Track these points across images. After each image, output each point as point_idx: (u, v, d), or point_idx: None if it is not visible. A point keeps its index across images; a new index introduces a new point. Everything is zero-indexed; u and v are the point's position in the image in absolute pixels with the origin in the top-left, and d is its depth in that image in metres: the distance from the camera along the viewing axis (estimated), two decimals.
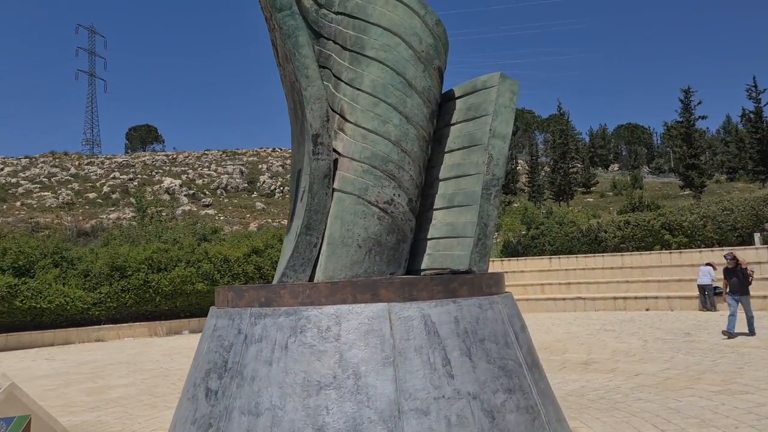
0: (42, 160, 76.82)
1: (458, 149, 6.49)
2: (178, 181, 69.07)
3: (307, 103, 5.88)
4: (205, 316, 18.98)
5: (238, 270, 20.87)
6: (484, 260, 5.93)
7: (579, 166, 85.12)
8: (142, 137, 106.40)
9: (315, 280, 5.95)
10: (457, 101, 6.73)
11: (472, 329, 5.27)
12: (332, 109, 6.47)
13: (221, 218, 59.27)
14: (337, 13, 6.69)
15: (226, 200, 67.69)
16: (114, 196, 63.31)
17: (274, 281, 6.02)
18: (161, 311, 19.82)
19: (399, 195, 6.05)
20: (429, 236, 6.43)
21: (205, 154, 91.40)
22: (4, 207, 55.14)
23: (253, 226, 53.81)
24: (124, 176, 70.74)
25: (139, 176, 71.78)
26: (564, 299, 23.92)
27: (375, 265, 5.93)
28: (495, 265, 28.82)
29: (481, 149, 6.12)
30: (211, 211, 61.68)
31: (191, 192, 67.32)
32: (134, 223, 39.34)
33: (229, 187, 72.01)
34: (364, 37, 6.36)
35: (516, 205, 56.44)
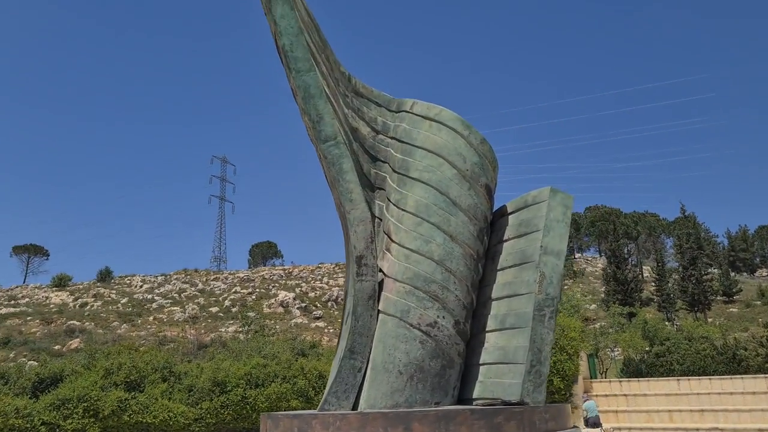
0: (175, 277, 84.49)
1: (510, 267, 6.17)
2: (291, 294, 72.15)
3: (351, 226, 5.98)
4: None
5: None
6: (539, 390, 5.35)
7: (715, 271, 77.16)
8: (264, 253, 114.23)
9: (359, 408, 5.68)
10: (510, 217, 6.52)
11: None
12: (384, 230, 6.53)
13: (330, 330, 60.22)
14: (392, 138, 6.97)
15: (336, 312, 69.10)
16: (234, 309, 67.17)
17: (318, 407, 5.83)
18: (257, 429, 19.84)
19: (443, 317, 5.77)
20: (481, 361, 5.98)
21: (319, 267, 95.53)
22: (139, 321, 60.46)
23: None
24: (244, 290, 75.36)
25: (258, 290, 76.09)
26: (697, 430, 20.72)
27: (417, 393, 5.55)
28: (613, 387, 26.00)
29: (533, 267, 5.77)
30: (321, 324, 63.08)
31: (303, 305, 69.73)
32: (248, 336, 41.08)
33: (339, 299, 73.79)
34: (409, 159, 6.51)
35: (646, 316, 51.58)
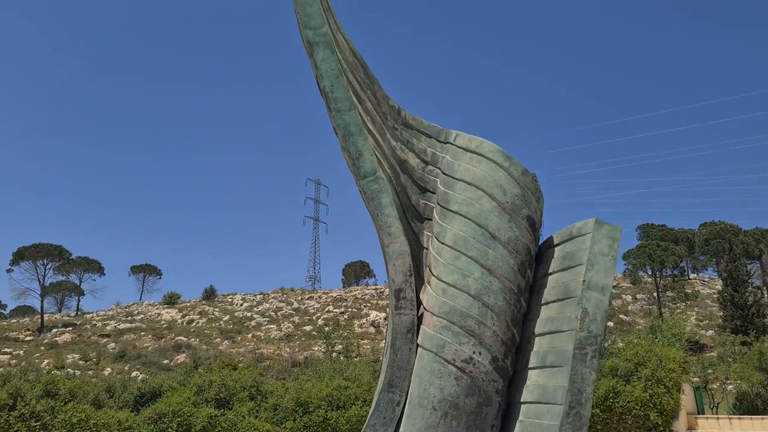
0: (273, 296, 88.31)
1: (553, 302, 5.96)
2: (383, 315, 72.83)
3: (390, 259, 6.06)
4: None
5: None
6: None
7: None
8: (356, 272, 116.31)
9: None
10: (555, 249, 6.31)
11: None
12: (426, 264, 6.55)
13: None
14: (439, 169, 7.02)
15: None
16: (327, 329, 68.96)
17: None
18: None
19: (480, 353, 5.66)
20: (522, 400, 5.79)
21: None
22: (239, 338, 63.74)
23: None
24: (337, 310, 77.16)
25: (350, 310, 77.59)
26: None
27: (451, 430, 5.46)
28: (722, 424, 23.70)
29: (575, 302, 5.54)
30: None
31: None
32: (330, 357, 41.96)
33: None
34: (449, 192, 6.51)
35: (763, 346, 46.64)
